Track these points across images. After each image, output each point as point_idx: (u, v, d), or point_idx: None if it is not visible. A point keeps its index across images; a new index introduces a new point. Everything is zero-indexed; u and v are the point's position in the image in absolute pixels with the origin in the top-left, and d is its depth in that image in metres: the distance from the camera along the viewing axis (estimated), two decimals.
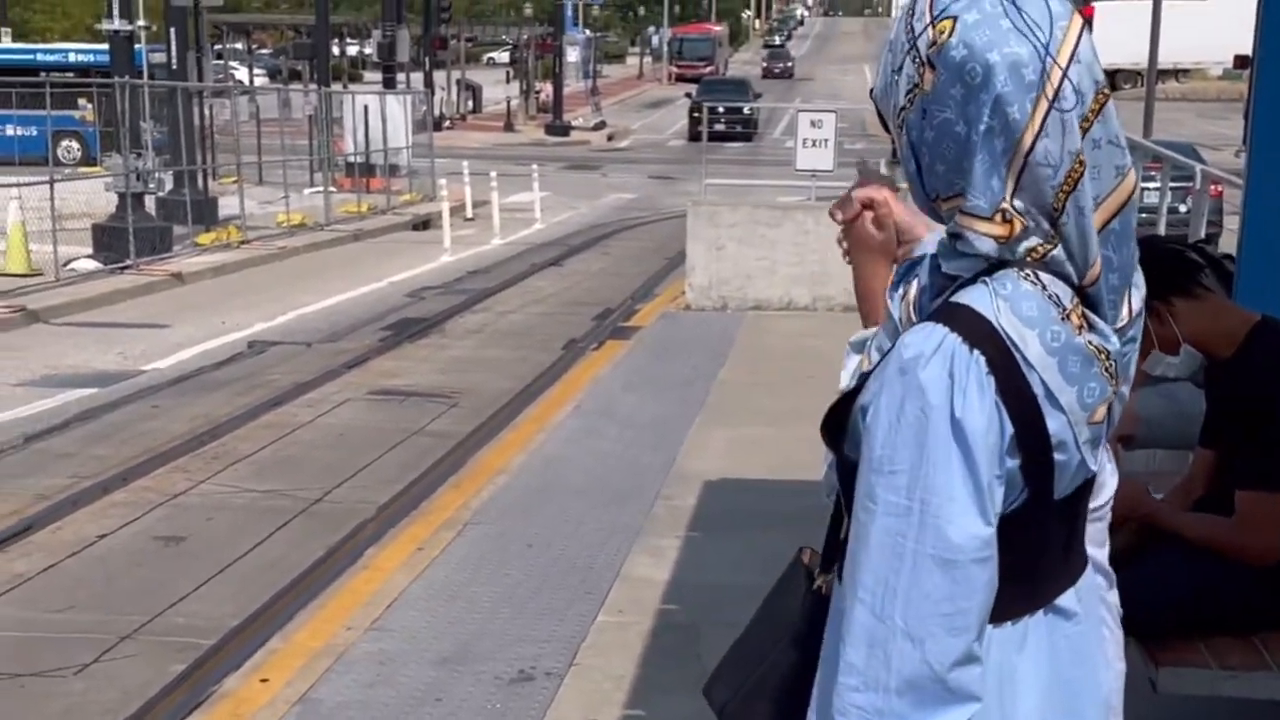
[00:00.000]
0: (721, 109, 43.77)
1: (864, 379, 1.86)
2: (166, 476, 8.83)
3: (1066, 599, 1.89)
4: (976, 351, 1.73)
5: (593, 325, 14.81)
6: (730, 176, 22.76)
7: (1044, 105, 1.74)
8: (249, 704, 5.40)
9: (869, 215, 2.20)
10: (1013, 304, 1.76)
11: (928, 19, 1.79)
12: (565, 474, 8.53)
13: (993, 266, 1.79)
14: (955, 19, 1.75)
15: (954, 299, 1.79)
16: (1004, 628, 1.81)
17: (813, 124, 17.09)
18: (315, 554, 7.30)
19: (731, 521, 7.49)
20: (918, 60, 1.79)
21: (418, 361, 12.75)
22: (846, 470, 1.88)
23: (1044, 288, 1.78)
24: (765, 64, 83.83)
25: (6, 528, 7.73)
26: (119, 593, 6.83)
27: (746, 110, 45.98)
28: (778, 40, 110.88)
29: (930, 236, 2.17)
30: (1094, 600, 1.95)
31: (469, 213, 26.23)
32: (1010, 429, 1.73)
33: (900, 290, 1.94)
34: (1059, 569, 1.90)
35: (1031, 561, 1.83)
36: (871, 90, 1.93)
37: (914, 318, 1.86)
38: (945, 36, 1.76)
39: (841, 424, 1.88)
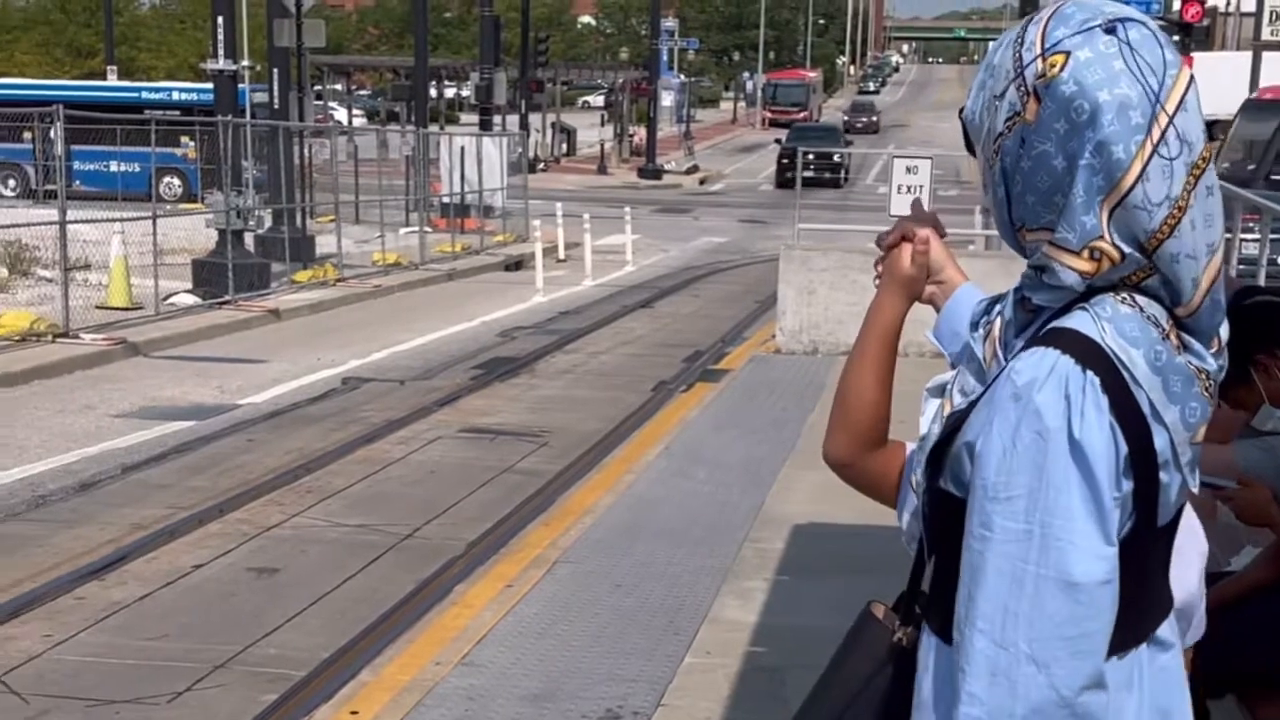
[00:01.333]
0: (811, 155, 43.86)
1: (956, 419, 1.87)
2: (261, 509, 8.95)
3: (1164, 629, 1.89)
4: (1090, 372, 1.73)
5: (683, 367, 14.83)
6: (822, 222, 22.74)
7: (1148, 149, 1.74)
8: None
9: (907, 247, 2.22)
10: (1115, 325, 1.77)
11: (1038, 50, 1.79)
12: (654, 515, 8.54)
13: (1085, 294, 1.80)
14: (1068, 54, 1.76)
15: (1055, 325, 1.80)
16: (1111, 662, 1.79)
17: (908, 170, 17.06)
18: (405, 589, 7.36)
19: (820, 566, 7.46)
20: (1023, 89, 1.80)
21: (508, 400, 12.83)
22: (940, 509, 1.88)
23: (1141, 310, 1.79)
24: (847, 117, 76.66)
25: (103, 557, 7.87)
26: (212, 623, 6.92)
27: (836, 157, 45.88)
28: (872, 87, 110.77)
29: (965, 284, 2.20)
30: (1173, 633, 1.95)
31: (561, 254, 26.39)
32: (1125, 448, 1.73)
33: (983, 330, 1.94)
34: (1160, 599, 1.89)
35: (1138, 592, 1.82)
36: (962, 110, 1.94)
37: (999, 353, 1.87)
38: (1056, 70, 1.76)
39: (939, 463, 1.88)
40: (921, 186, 16.84)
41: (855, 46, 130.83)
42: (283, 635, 6.76)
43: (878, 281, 2.25)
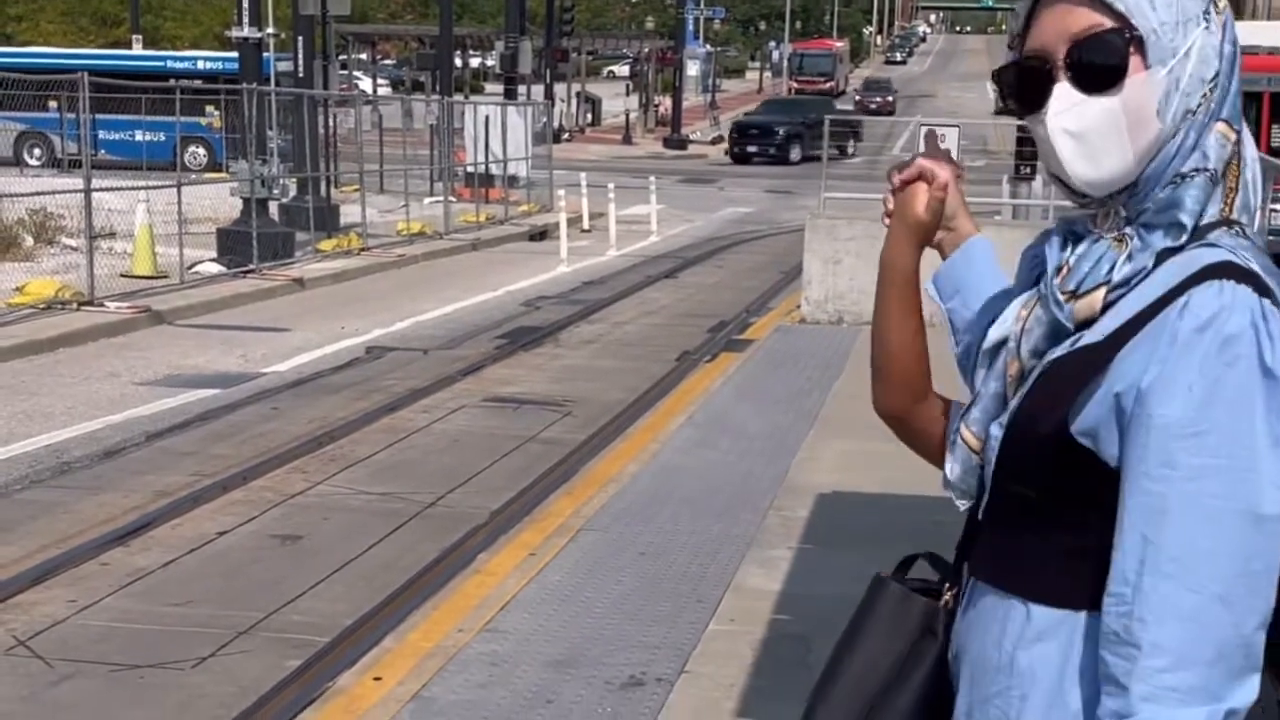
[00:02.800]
0: (755, 130, 44.35)
1: (1073, 366, 1.81)
2: (285, 477, 8.95)
3: None
4: (1266, 300, 1.70)
5: (707, 337, 14.79)
6: (849, 192, 22.64)
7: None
8: (362, 701, 5.45)
9: (922, 188, 2.09)
10: (1248, 254, 1.75)
11: None
12: (678, 483, 8.52)
13: (1193, 235, 1.78)
14: None
15: (1205, 263, 1.74)
16: None
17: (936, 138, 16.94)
18: (429, 556, 7.36)
19: (844, 534, 7.44)
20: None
21: (532, 370, 12.81)
22: (1064, 457, 1.80)
23: (1252, 241, 1.78)
24: (860, 97, 67.50)
25: (128, 523, 7.88)
26: (237, 589, 6.93)
27: (781, 131, 46.09)
28: (898, 57, 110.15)
29: (976, 236, 2.12)
30: None
31: (586, 224, 26.35)
32: None
33: (1054, 286, 1.86)
34: None
35: None
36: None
37: (1099, 300, 1.81)
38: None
39: (1053, 410, 1.80)
40: (950, 153, 16.72)
41: (882, 16, 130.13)
42: (306, 602, 6.76)
43: (887, 221, 2.14)
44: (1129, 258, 1.81)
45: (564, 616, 6.28)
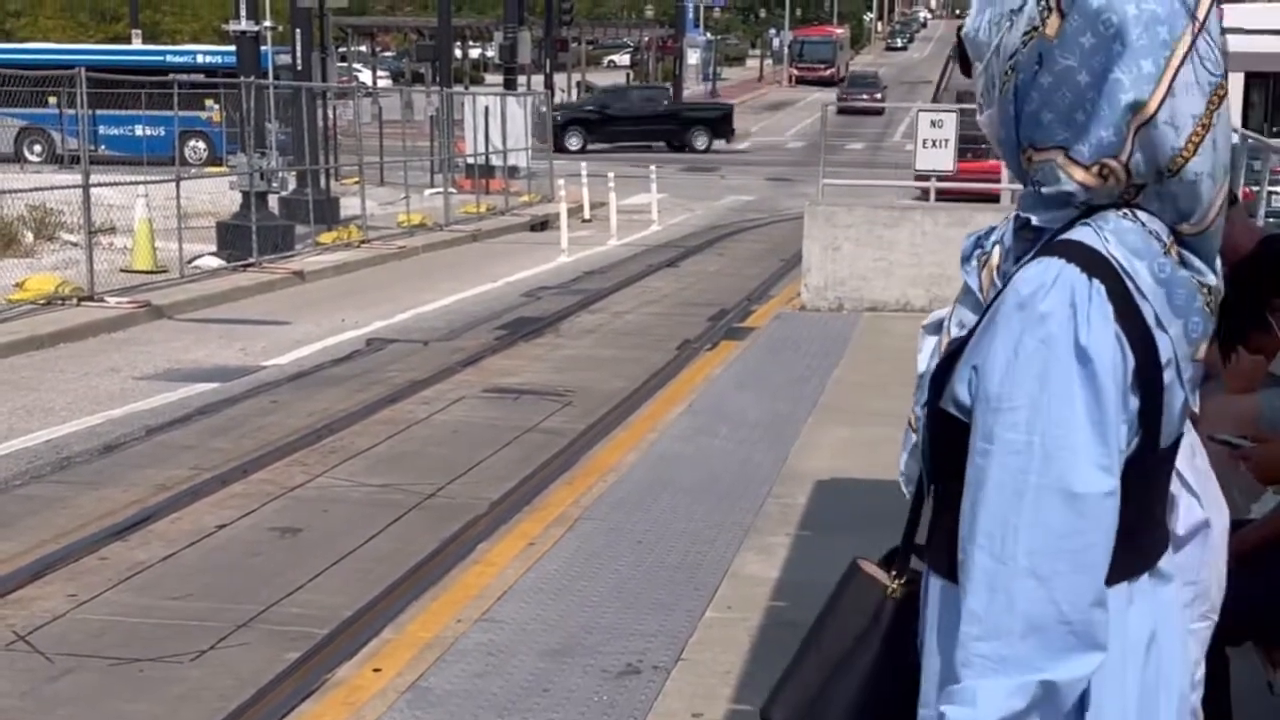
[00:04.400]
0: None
1: (956, 344, 1.84)
2: (284, 470, 8.96)
3: (1165, 562, 1.85)
4: (1095, 280, 1.70)
5: (707, 326, 14.79)
6: (849, 178, 22.63)
7: (1174, 65, 1.72)
8: (361, 692, 5.46)
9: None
10: (1119, 237, 1.74)
11: None
12: (677, 472, 8.53)
13: (1085, 213, 1.78)
14: None
15: (1058, 238, 1.77)
16: (1117, 589, 1.76)
17: (933, 124, 16.93)
18: (428, 547, 7.36)
19: (843, 521, 7.43)
20: (1044, 4, 1.76)
21: (532, 360, 12.82)
22: (942, 435, 1.84)
23: (1144, 225, 1.77)
24: (843, 95, 55.07)
25: (128, 517, 7.89)
26: (236, 582, 6.94)
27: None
28: (899, 43, 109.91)
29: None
30: (1173, 566, 1.91)
31: (586, 214, 26.34)
32: (1132, 360, 1.71)
33: (977, 261, 1.90)
34: (1161, 528, 1.86)
35: (1140, 518, 1.78)
36: (961, 27, 1.90)
37: (997, 282, 1.83)
38: None
39: (939, 390, 1.85)
40: (947, 141, 16.72)
41: (883, 2, 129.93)
42: (305, 594, 6.77)
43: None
44: (1015, 234, 1.86)
45: (561, 606, 6.29)
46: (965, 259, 1.93)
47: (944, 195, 16.92)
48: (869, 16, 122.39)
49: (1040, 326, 1.69)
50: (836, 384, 10.99)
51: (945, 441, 1.83)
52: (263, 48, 21.75)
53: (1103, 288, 1.70)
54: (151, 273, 16.91)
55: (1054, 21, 1.74)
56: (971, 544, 1.73)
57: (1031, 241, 1.82)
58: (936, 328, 1.96)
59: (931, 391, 1.87)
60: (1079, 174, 1.76)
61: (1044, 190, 1.79)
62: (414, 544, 7.47)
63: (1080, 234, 1.76)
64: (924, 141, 16.25)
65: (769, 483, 8.19)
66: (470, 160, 28.63)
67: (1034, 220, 1.82)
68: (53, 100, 26.24)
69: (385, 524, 7.87)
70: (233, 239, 18.77)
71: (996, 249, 1.88)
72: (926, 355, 1.94)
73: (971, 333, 1.82)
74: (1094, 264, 1.72)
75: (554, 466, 8.96)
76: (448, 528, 7.72)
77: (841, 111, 48.77)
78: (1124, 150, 1.74)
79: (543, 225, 25.41)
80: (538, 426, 10.18)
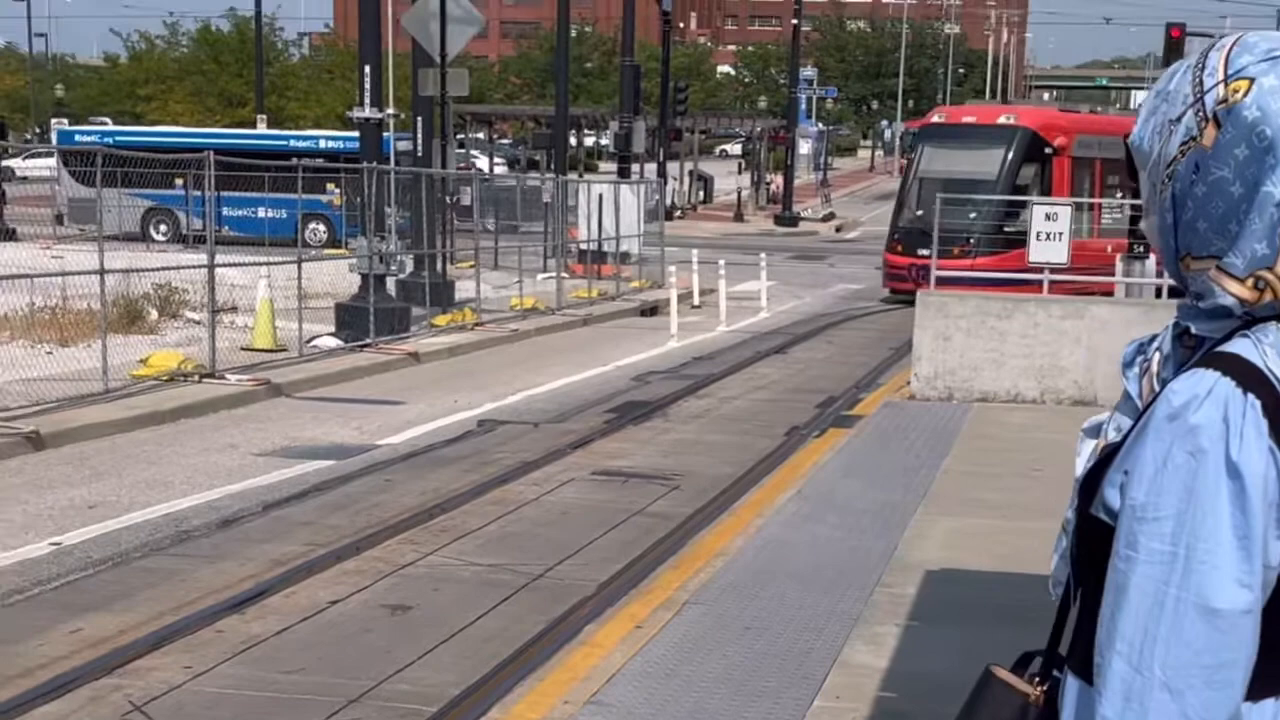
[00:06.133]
0: None
1: (1110, 449, 1.84)
2: (396, 547, 9.08)
3: None
4: (1250, 395, 1.71)
5: (816, 412, 14.77)
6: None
7: None
8: None
9: None
10: (1278, 350, 1.75)
11: (1221, 75, 1.78)
12: (785, 558, 8.51)
13: (1246, 324, 1.79)
14: (1252, 80, 1.76)
15: (1215, 350, 1.78)
16: (1246, 707, 1.74)
17: (1048, 217, 16.89)
18: (536, 628, 7.41)
19: (953, 612, 7.37)
20: (1201, 114, 1.79)
21: (641, 444, 12.88)
22: (1089, 538, 1.84)
23: None
24: None
25: (243, 591, 8.04)
26: (347, 658, 7.03)
27: None
28: None
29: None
30: None
31: (696, 300, 26.46)
32: None
33: (1139, 367, 1.92)
34: None
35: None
36: (1127, 135, 1.93)
37: (1157, 390, 1.84)
38: (1239, 96, 1.76)
39: (1091, 494, 1.86)
40: (1061, 234, 16.65)
41: (996, 95, 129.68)
42: (415, 671, 6.84)
43: None
44: (1175, 342, 1.87)
45: (668, 691, 6.29)
46: (1127, 365, 1.94)
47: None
48: None
49: (1191, 439, 1.70)
50: (946, 474, 10.92)
51: (1093, 546, 1.84)
52: (385, 134, 22.21)
53: (1258, 403, 1.70)
54: (271, 351, 17.22)
55: (1210, 132, 1.77)
56: (1109, 650, 1.73)
57: (1191, 350, 1.83)
58: (1095, 432, 1.97)
59: (1082, 496, 1.87)
60: (1233, 287, 1.77)
61: (1201, 304, 1.81)
62: (522, 624, 7.53)
63: (1238, 346, 1.76)
64: (1038, 234, 16.19)
65: (878, 572, 8.14)
66: (583, 246, 28.93)
67: (1193, 329, 1.84)
68: (179, 181, 26.95)
69: (494, 603, 7.93)
70: (350, 320, 19.08)
71: (1157, 356, 1.90)
72: (1084, 459, 1.95)
73: (1126, 438, 1.83)
74: (1250, 378, 1.72)
75: (661, 550, 8.99)
76: (556, 609, 7.77)
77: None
78: (1277, 262, 1.75)
79: (653, 311, 25.56)
80: (645, 509, 10.22)
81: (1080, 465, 1.95)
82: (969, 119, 28.34)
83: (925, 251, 25.46)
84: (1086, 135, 28.16)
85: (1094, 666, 1.77)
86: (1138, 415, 1.84)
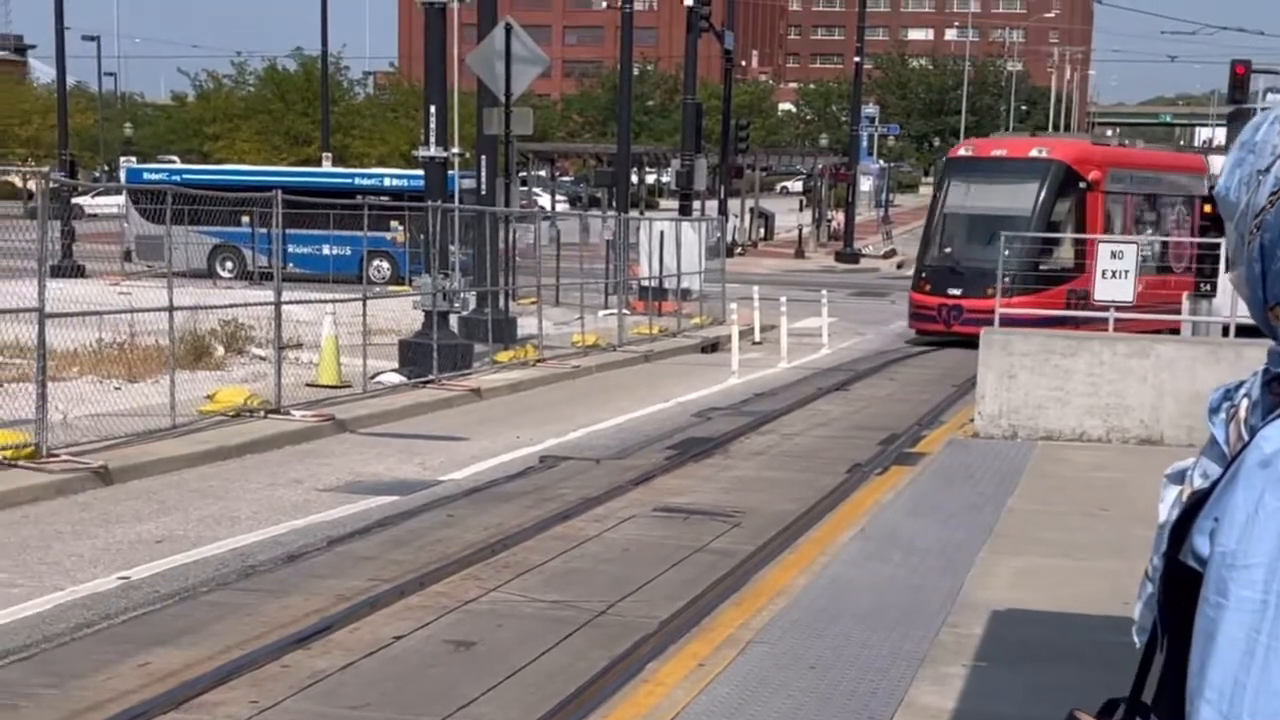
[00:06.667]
0: None
1: (1198, 498, 1.84)
2: (459, 583, 9.11)
3: None
4: None
5: (878, 450, 14.72)
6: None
7: None
8: None
9: None
10: None
11: None
12: (848, 597, 8.47)
13: None
14: None
15: None
16: None
17: (1113, 255, 16.79)
18: (598, 664, 7.42)
19: (1020, 652, 7.31)
20: None
21: (702, 480, 12.87)
22: (1177, 586, 1.84)
23: None
24: None
25: (308, 626, 8.09)
26: (411, 694, 7.06)
27: None
28: None
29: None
30: None
31: (757, 336, 26.45)
32: None
33: (1225, 413, 1.92)
34: None
35: None
36: (1213, 186, 1.94)
37: (1245, 437, 1.84)
38: None
39: (1179, 542, 1.85)
40: (1127, 272, 16.54)
41: (1058, 132, 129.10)
42: (479, 708, 6.86)
43: None
44: (1264, 389, 1.85)
45: None
46: (1213, 410, 1.94)
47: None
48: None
49: None
50: (1011, 513, 10.84)
51: (1181, 594, 1.83)
52: (449, 172, 22.38)
53: None
54: (335, 387, 17.34)
55: None
56: (1199, 698, 1.72)
57: (1279, 397, 1.83)
58: (1179, 477, 1.97)
59: (1170, 543, 1.87)
60: None
61: None
62: (585, 660, 7.53)
63: None
64: (1103, 272, 16.09)
65: (944, 611, 8.09)
66: (644, 283, 29.00)
67: None
68: (245, 219, 27.26)
69: (557, 640, 7.94)
70: (414, 356, 19.20)
71: (1244, 402, 1.90)
72: (1168, 505, 1.94)
73: (1214, 485, 1.83)
74: None
75: (723, 587, 8.97)
76: (618, 646, 7.77)
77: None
78: None
79: (714, 347, 25.56)
80: (707, 546, 10.21)
81: (1164, 511, 1.95)
82: (999, 152, 27.70)
83: (955, 291, 25.32)
84: (1119, 169, 27.83)
85: (1185, 716, 1.76)
86: (1226, 462, 1.83)
